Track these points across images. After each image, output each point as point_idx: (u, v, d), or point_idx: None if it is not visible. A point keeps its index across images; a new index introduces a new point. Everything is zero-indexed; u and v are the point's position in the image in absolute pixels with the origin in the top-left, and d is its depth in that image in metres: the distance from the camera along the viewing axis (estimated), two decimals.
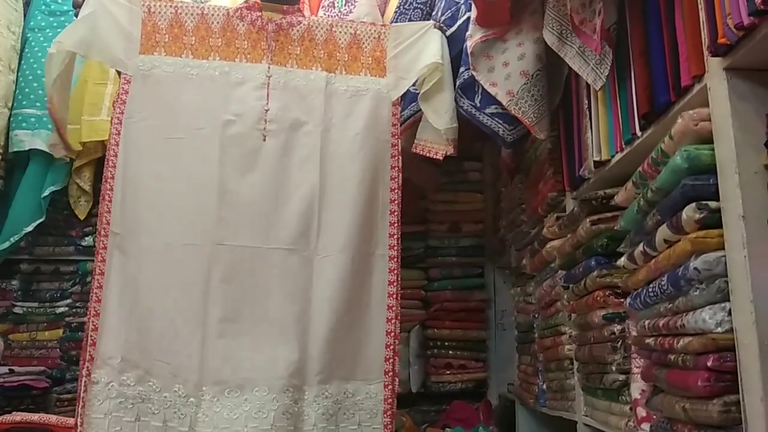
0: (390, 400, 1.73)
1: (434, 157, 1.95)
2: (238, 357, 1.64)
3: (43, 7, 2.66)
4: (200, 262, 1.69)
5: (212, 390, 1.61)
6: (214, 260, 1.69)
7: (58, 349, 2.65)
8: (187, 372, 1.62)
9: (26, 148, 2.51)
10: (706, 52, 1.08)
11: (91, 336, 1.64)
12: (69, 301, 2.71)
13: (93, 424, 1.58)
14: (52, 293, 2.72)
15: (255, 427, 1.59)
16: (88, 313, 1.68)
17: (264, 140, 1.77)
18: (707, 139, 1.09)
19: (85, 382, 1.61)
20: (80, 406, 1.60)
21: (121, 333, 1.65)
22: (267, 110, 1.79)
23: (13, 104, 2.56)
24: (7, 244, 2.50)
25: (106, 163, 1.76)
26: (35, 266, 2.73)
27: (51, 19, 2.64)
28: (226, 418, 1.59)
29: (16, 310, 2.68)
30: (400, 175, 1.86)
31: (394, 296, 1.79)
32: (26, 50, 2.62)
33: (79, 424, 1.59)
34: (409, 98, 2.01)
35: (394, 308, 1.78)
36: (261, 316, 1.67)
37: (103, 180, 1.75)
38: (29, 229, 2.53)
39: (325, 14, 2.45)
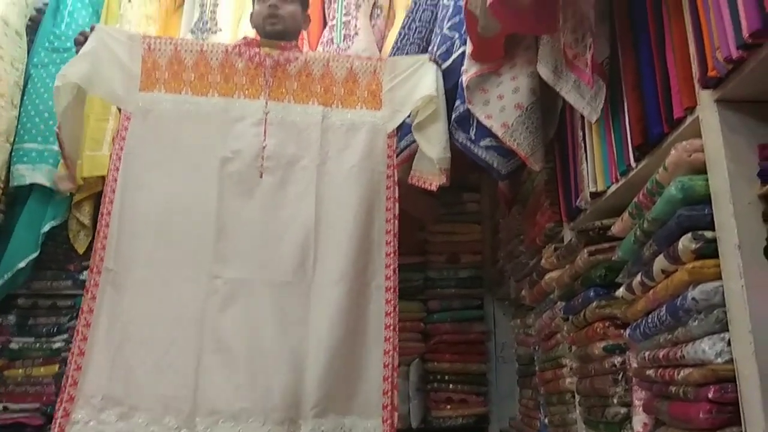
0: None
1: (428, 187, 1.96)
2: (233, 387, 1.61)
3: (47, 44, 2.71)
4: (196, 294, 1.68)
5: (205, 421, 1.58)
6: (211, 292, 1.68)
7: (53, 386, 2.61)
8: (180, 402, 1.59)
9: (27, 182, 2.53)
10: (696, 85, 1.10)
11: (72, 375, 1.60)
12: (65, 336, 2.68)
13: None
14: (49, 328, 2.69)
15: None
16: (71, 351, 1.64)
17: (261, 177, 1.79)
18: (701, 169, 1.10)
19: (60, 423, 1.56)
20: None
21: (105, 370, 1.62)
22: (264, 147, 1.81)
23: (14, 139, 2.59)
24: (1, 282, 2.50)
25: (103, 198, 1.77)
26: (32, 301, 2.71)
27: (54, 55, 2.68)
28: None
29: (12, 345, 2.65)
30: (396, 205, 1.87)
31: (392, 327, 1.76)
32: (29, 86, 2.66)
33: None
34: (405, 130, 2.03)
35: (391, 340, 1.75)
36: (257, 347, 1.65)
37: (100, 216, 1.75)
38: (22, 265, 2.52)
39: (324, 50, 2.50)
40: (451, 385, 2.76)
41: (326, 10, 2.68)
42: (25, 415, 2.38)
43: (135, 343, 1.64)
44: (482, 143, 1.87)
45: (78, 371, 1.61)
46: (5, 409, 2.30)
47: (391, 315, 1.77)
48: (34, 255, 2.55)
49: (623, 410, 1.43)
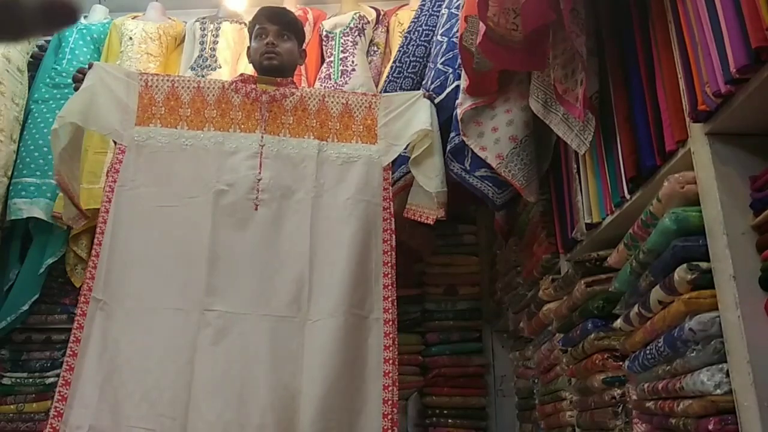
0: None
1: (425, 221, 1.97)
2: (224, 423, 1.57)
3: (48, 80, 2.74)
4: (187, 327, 1.66)
5: None
6: (203, 325, 1.66)
7: (46, 422, 2.56)
8: None
9: (24, 216, 2.53)
10: (687, 118, 1.13)
11: (56, 407, 1.58)
12: (59, 371, 2.64)
13: None
14: (42, 363, 2.65)
15: None
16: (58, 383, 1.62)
17: (256, 209, 1.79)
18: (694, 201, 1.11)
19: None
20: None
21: (93, 401, 1.59)
22: (259, 180, 1.81)
23: (13, 173, 2.60)
24: (4, 324, 2.51)
25: (96, 231, 1.77)
26: (26, 335, 2.68)
27: (55, 91, 2.71)
28: None
29: (5, 381, 2.62)
30: (393, 237, 1.86)
31: (391, 361, 1.73)
32: (29, 121, 2.68)
33: None
34: (399, 161, 2.05)
35: (390, 374, 1.71)
36: (249, 383, 1.62)
37: (93, 248, 1.75)
38: (25, 308, 2.54)
39: (321, 86, 2.55)
40: (450, 420, 2.72)
41: (324, 47, 2.74)
42: None
43: (123, 375, 1.62)
44: (477, 173, 1.89)
45: (62, 402, 1.58)
46: None
47: (390, 348, 1.74)
48: (35, 297, 2.56)
49: None
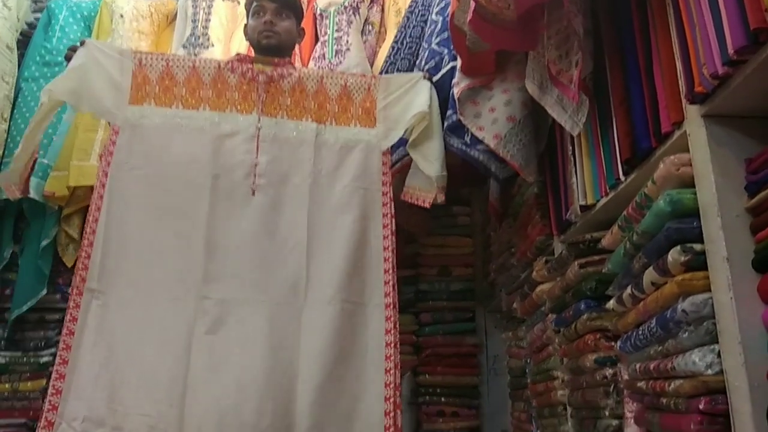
0: None
1: (422, 204, 1.95)
2: (220, 410, 1.57)
3: (38, 58, 2.70)
4: (184, 315, 1.65)
5: None
6: (200, 313, 1.65)
7: (40, 400, 2.57)
8: (167, 422, 1.55)
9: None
10: (684, 100, 1.12)
11: (50, 400, 1.56)
12: (53, 350, 2.64)
13: None
14: (36, 342, 2.65)
15: None
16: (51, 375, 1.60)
17: (253, 194, 1.77)
18: (689, 183, 1.11)
19: None
20: None
21: (88, 391, 1.58)
22: (256, 164, 1.79)
23: (4, 152, 2.58)
24: (17, 312, 2.54)
25: (88, 216, 1.74)
26: (20, 314, 2.68)
27: (45, 69, 2.67)
28: None
29: None
30: (393, 222, 1.85)
31: (392, 345, 1.72)
32: (19, 99, 2.65)
33: None
34: (398, 143, 2.04)
35: (392, 358, 1.70)
36: (246, 370, 1.61)
37: (84, 234, 1.72)
38: (31, 304, 2.55)
39: (315, 65, 2.52)
40: (443, 398, 2.75)
41: (318, 26, 2.71)
42: (12, 430, 2.35)
43: (120, 364, 1.61)
44: (478, 147, 1.86)
45: (57, 396, 1.56)
46: None
47: (392, 332, 1.73)
48: (43, 292, 2.56)
49: (615, 422, 1.43)
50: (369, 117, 1.92)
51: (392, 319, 1.75)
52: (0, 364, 2.62)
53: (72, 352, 1.61)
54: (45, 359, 2.63)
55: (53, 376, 1.59)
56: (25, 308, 2.56)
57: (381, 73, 2.18)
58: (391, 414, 1.66)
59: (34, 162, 1.97)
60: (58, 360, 1.60)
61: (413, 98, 1.90)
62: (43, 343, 2.65)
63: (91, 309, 1.65)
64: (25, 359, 2.63)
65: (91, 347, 1.62)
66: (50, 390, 1.57)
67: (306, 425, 1.60)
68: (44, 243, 2.55)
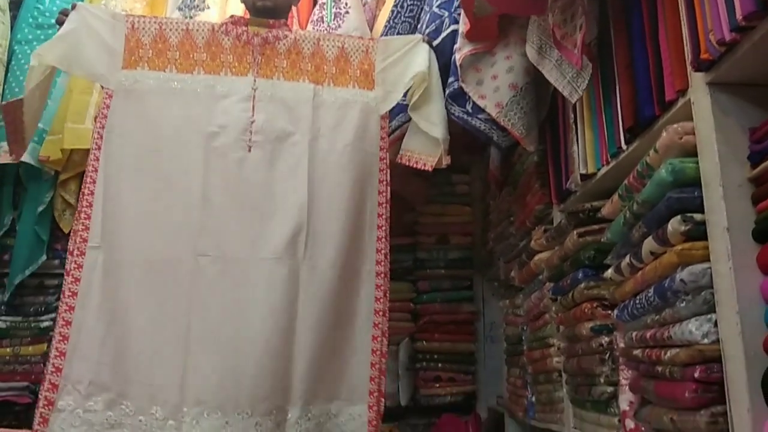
0: (374, 423, 1.66)
1: (423, 168, 1.93)
2: (219, 377, 1.57)
3: (31, 20, 2.65)
4: (183, 276, 1.64)
5: (192, 411, 1.54)
6: (197, 273, 1.64)
7: (41, 364, 2.60)
8: (168, 392, 1.56)
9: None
10: (689, 67, 1.10)
11: (54, 362, 1.56)
12: (53, 315, 2.66)
13: None
14: (36, 307, 2.67)
15: None
16: (53, 338, 1.60)
17: (249, 151, 1.75)
18: (692, 152, 1.10)
19: (42, 413, 1.52)
20: None
21: (93, 354, 1.58)
22: (252, 121, 1.77)
23: None
24: (19, 278, 2.56)
25: (84, 179, 1.73)
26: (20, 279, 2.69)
27: (38, 32, 2.62)
28: None
29: (0, 324, 2.64)
30: (388, 189, 1.85)
31: (381, 313, 1.73)
32: (13, 62, 2.60)
33: None
34: (397, 109, 2.01)
35: (380, 326, 1.72)
36: (245, 331, 1.61)
37: (81, 197, 1.72)
38: (33, 269, 2.56)
39: (314, 29, 2.47)
40: (440, 364, 2.79)
41: None
42: (14, 394, 2.38)
43: (122, 328, 1.61)
44: (480, 116, 1.84)
45: (61, 358, 1.56)
46: None
47: (381, 300, 1.75)
48: (42, 258, 2.58)
49: (610, 389, 1.45)
50: (367, 79, 1.89)
51: (382, 287, 1.76)
52: (0, 329, 2.64)
53: (76, 312, 1.60)
54: (45, 324, 2.65)
55: (56, 338, 1.58)
56: (27, 273, 2.56)
57: (381, 37, 2.14)
58: (376, 380, 1.69)
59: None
60: (60, 322, 1.60)
61: (411, 60, 1.87)
62: (42, 308, 2.67)
63: (96, 268, 1.64)
64: (25, 324, 2.65)
65: (97, 308, 1.61)
66: (53, 352, 1.57)
67: (301, 389, 1.62)
68: (40, 209, 2.55)
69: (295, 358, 1.63)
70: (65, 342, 1.58)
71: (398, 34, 2.11)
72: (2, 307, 2.66)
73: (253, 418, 1.55)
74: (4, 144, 2.47)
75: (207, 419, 1.53)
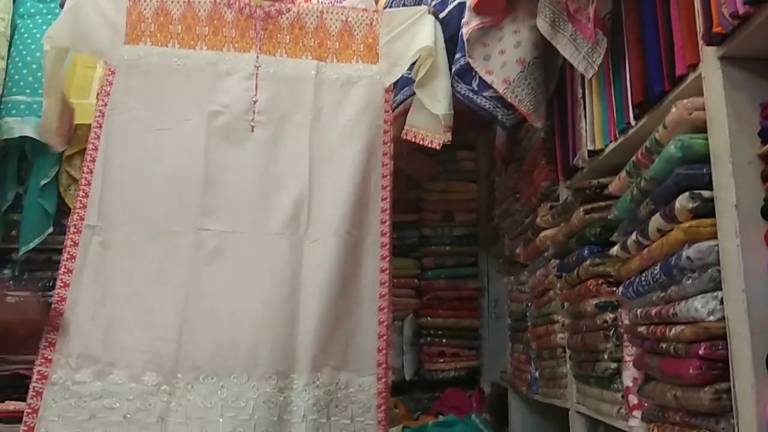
0: (384, 394, 1.67)
1: (429, 145, 1.92)
2: (216, 343, 1.58)
3: None
4: (182, 248, 1.65)
5: (187, 377, 1.55)
6: (198, 246, 1.65)
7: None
8: (162, 358, 1.57)
9: (16, 135, 2.49)
10: (700, 41, 1.08)
11: (47, 337, 1.58)
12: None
13: (46, 428, 1.52)
14: (44, 282, 2.70)
15: (232, 417, 1.53)
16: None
17: (252, 131, 1.75)
18: (701, 128, 1.09)
19: (35, 387, 1.54)
20: (31, 411, 1.52)
21: (84, 328, 1.60)
22: (255, 101, 1.76)
23: (3, 92, 2.54)
24: (24, 249, 2.56)
25: (85, 154, 1.73)
26: (27, 255, 2.70)
27: (41, 5, 2.60)
28: (200, 406, 1.53)
29: (9, 299, 2.66)
30: (392, 162, 1.84)
31: (386, 284, 1.74)
32: (16, 37, 2.58)
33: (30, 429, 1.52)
34: (401, 83, 1.99)
35: (386, 297, 1.73)
36: (244, 300, 1.62)
37: (81, 173, 1.73)
38: (39, 240, 2.56)
39: (318, 1, 2.43)
40: (444, 340, 2.81)
41: None
42: (24, 367, 2.41)
43: (118, 300, 1.62)
44: (485, 93, 1.82)
45: (54, 333, 1.58)
46: (3, 360, 2.32)
47: (386, 272, 1.74)
48: (49, 230, 2.57)
49: (613, 365, 1.46)
50: (371, 53, 1.87)
51: (387, 258, 1.75)
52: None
53: (71, 289, 1.62)
54: (53, 299, 2.67)
55: (50, 313, 1.61)
56: (32, 245, 2.57)
57: (386, 8, 2.11)
58: (384, 351, 1.70)
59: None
60: (56, 298, 1.62)
61: (417, 33, 1.85)
62: (50, 284, 2.68)
63: (91, 246, 1.65)
64: (34, 299, 2.67)
65: (89, 285, 1.63)
66: (47, 327, 1.59)
67: (306, 357, 1.62)
68: (43, 182, 2.55)
69: (299, 327, 1.63)
70: (59, 317, 1.60)
71: (404, 5, 2.08)
72: (11, 282, 2.69)
73: (250, 382, 1.56)
74: (17, 119, 2.49)
75: (202, 384, 1.55)
